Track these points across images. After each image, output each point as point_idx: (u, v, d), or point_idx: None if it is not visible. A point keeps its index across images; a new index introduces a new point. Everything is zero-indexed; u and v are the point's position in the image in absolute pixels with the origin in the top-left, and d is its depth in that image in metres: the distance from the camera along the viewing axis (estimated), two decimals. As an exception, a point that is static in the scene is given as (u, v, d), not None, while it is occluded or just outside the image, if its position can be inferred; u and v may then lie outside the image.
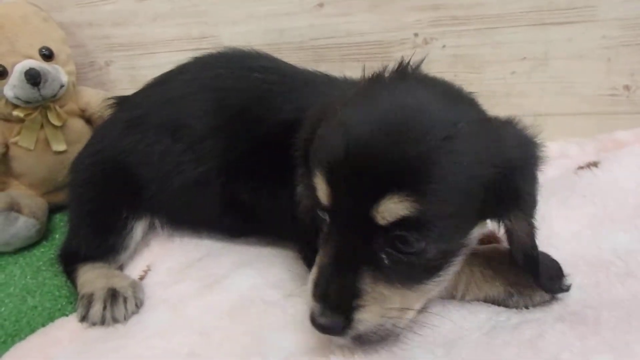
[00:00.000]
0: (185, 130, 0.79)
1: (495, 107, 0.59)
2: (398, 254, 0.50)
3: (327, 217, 0.53)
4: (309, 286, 0.53)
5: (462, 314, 0.63)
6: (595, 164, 0.83)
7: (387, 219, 0.48)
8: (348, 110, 0.53)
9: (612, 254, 0.67)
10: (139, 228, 0.84)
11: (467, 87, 0.59)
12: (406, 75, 0.59)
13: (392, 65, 0.60)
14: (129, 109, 0.86)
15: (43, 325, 0.80)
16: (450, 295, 0.65)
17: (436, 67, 1.03)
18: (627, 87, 0.94)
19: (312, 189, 0.53)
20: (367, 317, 0.51)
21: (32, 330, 0.79)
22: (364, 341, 0.52)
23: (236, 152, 0.75)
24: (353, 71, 1.09)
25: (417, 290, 0.54)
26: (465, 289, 0.65)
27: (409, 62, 0.60)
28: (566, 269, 0.65)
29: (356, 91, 0.57)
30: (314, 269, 0.54)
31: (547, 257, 0.62)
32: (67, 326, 0.73)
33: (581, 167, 0.84)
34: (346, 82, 0.78)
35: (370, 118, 0.51)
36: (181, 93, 0.81)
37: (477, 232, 0.57)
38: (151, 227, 0.86)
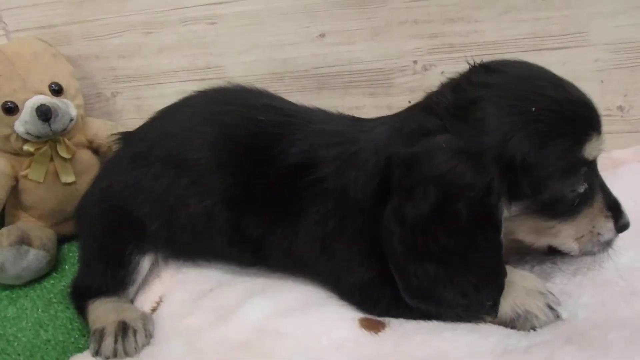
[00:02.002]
0: (190, 164, 0.79)
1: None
2: None
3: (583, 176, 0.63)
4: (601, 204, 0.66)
5: (473, 337, 0.64)
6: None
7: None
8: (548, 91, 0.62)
9: (615, 274, 0.69)
10: (144, 262, 0.85)
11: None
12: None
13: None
14: (134, 144, 0.88)
15: (57, 359, 0.81)
16: None
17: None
18: (620, 108, 0.98)
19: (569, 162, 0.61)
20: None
21: (47, 365, 0.81)
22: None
23: (243, 188, 0.77)
24: (355, 97, 1.15)
25: None
26: None
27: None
28: (571, 288, 0.68)
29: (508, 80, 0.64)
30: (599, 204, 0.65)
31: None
32: (82, 362, 0.74)
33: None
34: (343, 118, 0.80)
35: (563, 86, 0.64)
36: (185, 127, 0.82)
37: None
38: (158, 261, 0.88)
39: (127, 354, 0.72)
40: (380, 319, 0.70)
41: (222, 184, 0.78)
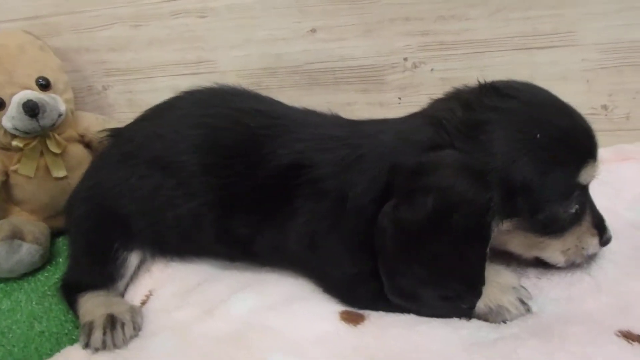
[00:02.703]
0: (177, 166, 0.86)
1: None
2: None
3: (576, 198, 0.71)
4: (589, 223, 0.75)
5: (446, 330, 0.72)
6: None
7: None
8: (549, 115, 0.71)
9: (584, 271, 0.77)
10: (132, 258, 0.93)
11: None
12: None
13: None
14: (121, 143, 0.95)
15: (51, 350, 0.89)
16: None
17: (425, 89, 1.14)
18: (605, 107, 1.06)
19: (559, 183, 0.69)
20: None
21: (41, 356, 0.89)
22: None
23: (230, 190, 0.84)
24: (347, 94, 1.22)
25: None
26: None
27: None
28: (543, 283, 0.77)
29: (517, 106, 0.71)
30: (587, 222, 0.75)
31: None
32: (73, 355, 0.82)
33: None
34: (338, 120, 0.87)
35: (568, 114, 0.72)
36: (172, 129, 0.88)
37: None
38: (146, 257, 0.96)
39: (115, 345, 0.80)
40: (361, 312, 0.78)
41: (209, 187, 0.85)
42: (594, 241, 0.75)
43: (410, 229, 0.69)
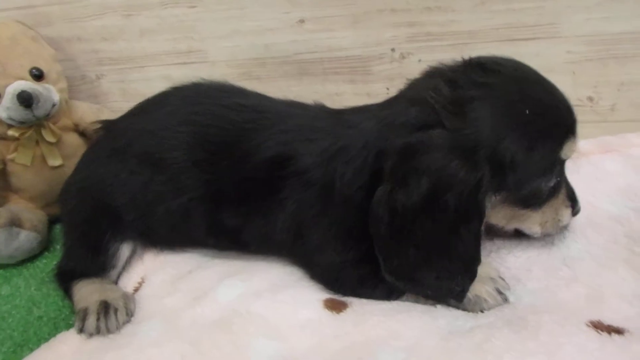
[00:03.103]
0: (166, 162, 0.87)
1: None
2: None
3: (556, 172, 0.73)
4: (564, 195, 0.78)
5: (425, 319, 0.74)
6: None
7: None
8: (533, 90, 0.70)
9: (562, 262, 0.79)
10: (123, 249, 0.95)
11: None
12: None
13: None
14: (113, 137, 0.95)
15: (49, 334, 0.92)
16: (417, 299, 0.78)
17: (413, 80, 1.13)
18: (590, 99, 1.05)
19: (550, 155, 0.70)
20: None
21: (39, 340, 0.91)
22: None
23: (220, 184, 0.85)
24: (335, 84, 1.22)
25: None
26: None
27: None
28: (521, 273, 0.79)
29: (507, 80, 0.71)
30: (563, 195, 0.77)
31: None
32: (69, 340, 0.84)
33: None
34: (321, 111, 0.87)
35: (551, 90, 0.72)
36: (161, 126, 0.89)
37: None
38: (137, 248, 0.97)
39: (108, 330, 0.82)
40: (344, 299, 0.80)
41: (198, 181, 0.86)
42: (568, 212, 0.78)
43: (404, 212, 0.68)
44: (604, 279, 0.75)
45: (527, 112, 0.67)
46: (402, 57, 1.13)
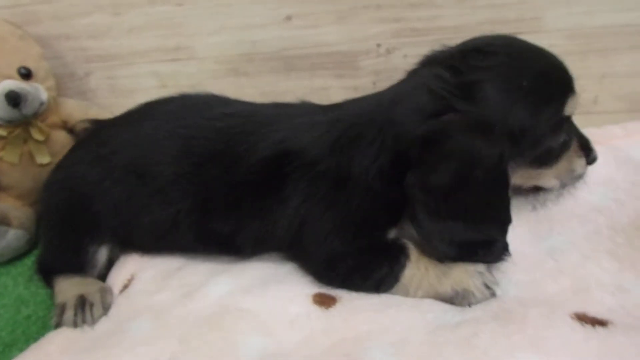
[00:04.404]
0: (152, 174, 0.85)
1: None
2: None
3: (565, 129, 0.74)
4: (576, 146, 0.78)
5: (413, 314, 0.71)
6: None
7: None
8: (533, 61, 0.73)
9: (547, 255, 0.76)
10: (102, 252, 0.92)
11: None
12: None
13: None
14: (98, 143, 0.91)
15: (37, 334, 0.88)
16: (406, 293, 0.75)
17: (399, 74, 1.09)
18: (572, 91, 1.02)
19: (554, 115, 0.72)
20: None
21: (28, 340, 0.88)
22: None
23: (208, 194, 0.82)
24: (322, 79, 1.18)
25: None
26: (419, 286, 0.75)
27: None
28: (507, 266, 0.76)
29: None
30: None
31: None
32: (58, 339, 0.80)
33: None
34: (312, 106, 0.85)
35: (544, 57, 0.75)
36: (147, 139, 0.87)
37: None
38: (116, 252, 0.94)
39: (85, 323, 0.81)
40: (333, 294, 0.77)
41: (185, 194, 0.83)
42: (581, 162, 0.79)
43: (439, 192, 0.70)
44: (588, 270, 0.73)
45: (526, 82, 0.69)
46: (388, 52, 1.10)
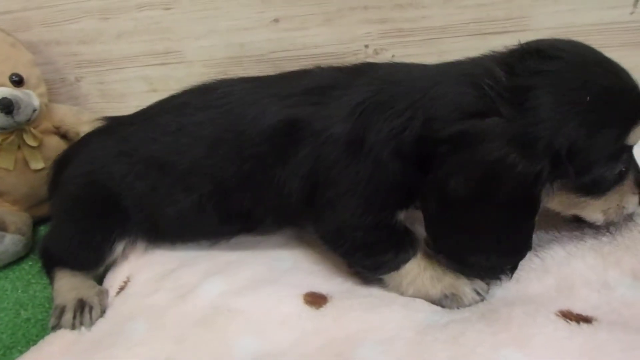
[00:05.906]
0: (171, 165, 0.85)
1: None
2: None
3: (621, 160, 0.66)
4: (632, 181, 0.69)
5: (404, 314, 0.71)
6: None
7: None
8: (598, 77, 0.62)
9: (532, 253, 0.76)
10: (120, 246, 0.91)
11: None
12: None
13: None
14: (119, 141, 0.90)
15: (37, 336, 0.88)
16: (398, 284, 0.75)
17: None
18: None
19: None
20: None
21: (28, 342, 0.88)
22: None
23: (223, 174, 0.82)
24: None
25: None
26: (412, 283, 0.74)
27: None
28: None
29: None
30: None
31: None
32: (57, 341, 0.81)
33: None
34: (324, 70, 0.82)
35: (615, 73, 0.64)
36: (163, 132, 0.86)
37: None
38: (130, 245, 0.93)
39: (83, 325, 0.82)
40: (324, 293, 0.77)
41: (203, 178, 0.83)
42: (634, 200, 0.69)
43: (457, 201, 0.63)
44: (572, 267, 0.73)
45: (588, 99, 0.59)
46: (376, 52, 1.09)
